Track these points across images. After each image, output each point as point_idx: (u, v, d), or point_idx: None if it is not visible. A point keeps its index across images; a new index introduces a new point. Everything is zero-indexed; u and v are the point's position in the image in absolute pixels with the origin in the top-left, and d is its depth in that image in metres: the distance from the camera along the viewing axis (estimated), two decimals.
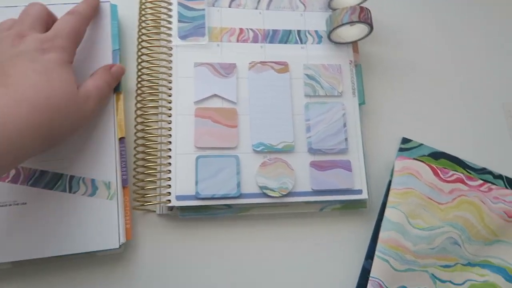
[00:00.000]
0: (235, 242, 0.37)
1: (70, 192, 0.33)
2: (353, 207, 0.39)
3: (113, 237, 0.33)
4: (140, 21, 0.39)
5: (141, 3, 0.41)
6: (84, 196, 0.34)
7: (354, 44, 0.43)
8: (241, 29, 0.41)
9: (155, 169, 0.36)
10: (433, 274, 0.37)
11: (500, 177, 0.42)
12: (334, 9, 0.42)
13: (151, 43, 0.40)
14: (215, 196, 0.35)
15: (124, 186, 0.36)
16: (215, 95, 0.39)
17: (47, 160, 0.34)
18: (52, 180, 0.34)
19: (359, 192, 0.38)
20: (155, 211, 0.36)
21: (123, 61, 0.40)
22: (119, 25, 0.40)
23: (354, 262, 0.38)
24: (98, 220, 0.33)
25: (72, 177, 0.34)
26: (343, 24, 0.39)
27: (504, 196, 0.39)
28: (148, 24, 0.40)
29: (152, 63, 0.39)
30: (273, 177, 0.37)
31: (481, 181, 0.40)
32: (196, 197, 0.35)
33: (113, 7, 0.39)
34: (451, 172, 0.40)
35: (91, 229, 0.34)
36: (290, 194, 0.37)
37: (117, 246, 0.33)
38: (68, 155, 0.35)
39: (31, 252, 0.32)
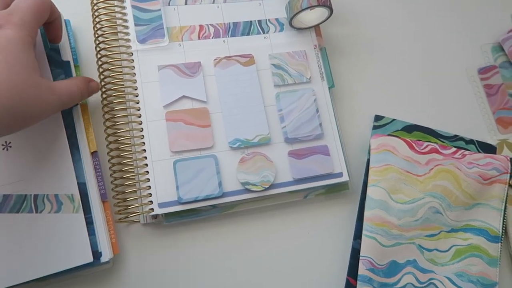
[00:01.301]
0: (223, 241, 0.44)
1: (36, 212, 0.38)
2: (336, 190, 0.46)
3: (86, 251, 0.38)
4: (96, 29, 0.44)
5: (94, 10, 0.45)
6: (51, 213, 0.38)
7: (316, 28, 0.50)
8: (201, 26, 0.47)
9: (133, 179, 0.41)
10: (419, 245, 0.45)
11: (471, 142, 0.50)
12: None
13: (110, 51, 0.44)
14: (198, 199, 0.41)
15: (103, 201, 0.41)
16: (184, 97, 0.44)
17: (8, 183, 0.38)
18: (17, 203, 0.38)
19: (340, 175, 0.45)
20: (139, 221, 0.42)
21: (82, 71, 0.45)
22: (74, 39, 0.45)
23: (344, 243, 0.45)
24: (68, 236, 0.38)
25: (36, 196, 0.39)
26: (302, 10, 0.45)
27: (478, 160, 0.48)
28: (104, 31, 0.45)
29: (114, 71, 0.44)
30: (254, 172, 0.43)
31: (455, 149, 0.48)
32: (179, 202, 0.41)
33: (67, 22, 0.44)
34: (426, 144, 0.48)
35: (63, 246, 0.38)
36: (272, 186, 0.43)
37: (91, 260, 0.38)
38: (28, 174, 0.39)
39: (8, 279, 0.36)
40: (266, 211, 0.44)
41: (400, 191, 0.45)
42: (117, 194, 0.41)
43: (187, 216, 0.42)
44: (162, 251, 0.41)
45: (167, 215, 0.41)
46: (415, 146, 0.46)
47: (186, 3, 0.47)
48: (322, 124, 0.45)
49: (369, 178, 0.45)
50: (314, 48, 0.48)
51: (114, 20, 0.44)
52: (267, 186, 0.42)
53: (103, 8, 0.44)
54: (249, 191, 0.42)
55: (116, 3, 0.45)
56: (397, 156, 0.45)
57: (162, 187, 0.40)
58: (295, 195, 0.45)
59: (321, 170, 0.44)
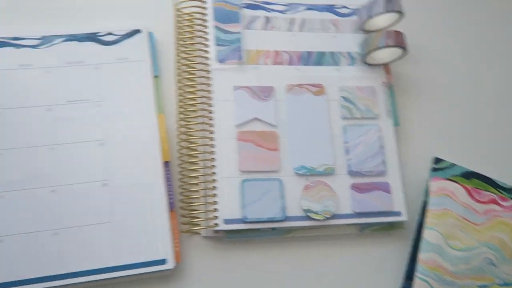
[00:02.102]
0: (279, 262, 0.49)
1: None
2: (391, 227, 0.52)
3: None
4: (178, 45, 0.52)
5: (178, 27, 0.52)
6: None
7: (386, 65, 0.57)
8: (276, 52, 0.54)
9: (201, 192, 0.48)
10: None
11: None
12: (367, 31, 0.56)
13: (190, 67, 0.51)
14: (262, 220, 0.47)
15: (171, 210, 0.47)
16: (256, 118, 0.51)
17: None
18: None
19: (398, 214, 0.51)
20: (200, 233, 0.48)
21: (161, 84, 0.51)
22: (156, 51, 0.52)
23: (394, 281, 0.50)
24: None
25: None
26: (379, 48, 0.52)
27: None
28: (186, 48, 0.51)
29: (192, 87, 0.50)
30: (317, 200, 0.49)
31: None
32: (244, 220, 0.47)
33: (150, 35, 0.51)
34: (485, 193, 0.53)
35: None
36: (333, 216, 0.49)
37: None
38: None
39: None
40: (322, 240, 0.49)
41: (456, 238, 0.50)
42: (184, 205, 0.47)
43: (248, 234, 0.48)
44: (221, 265, 0.47)
45: (228, 231, 0.47)
46: (474, 194, 0.52)
47: (264, 29, 0.54)
48: (385, 161, 0.51)
49: (426, 220, 0.50)
50: (382, 85, 0.55)
51: (196, 38, 0.51)
52: (328, 216, 0.48)
53: (187, 26, 0.51)
54: (310, 218, 0.48)
55: (199, 22, 0.51)
56: (455, 202, 0.51)
57: (228, 203, 0.47)
58: (351, 228, 0.50)
59: (381, 207, 0.50)
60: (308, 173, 0.48)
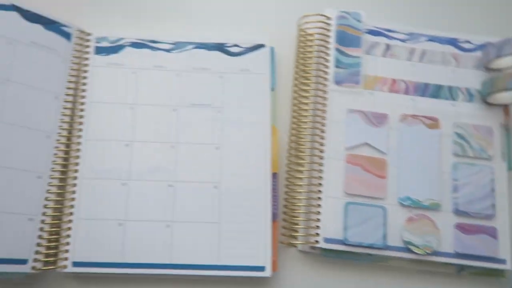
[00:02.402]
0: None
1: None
2: (491, 274, 0.52)
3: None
4: (298, 63, 0.56)
5: (300, 45, 0.56)
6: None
7: (505, 106, 0.57)
8: (393, 80, 0.57)
9: (305, 208, 0.51)
10: None
11: None
12: (491, 70, 0.57)
13: (308, 85, 0.54)
14: (362, 244, 0.50)
15: (273, 220, 0.51)
16: (366, 143, 0.54)
17: None
18: None
19: (503, 262, 0.51)
20: (297, 246, 0.51)
21: (276, 97, 0.56)
22: (275, 65, 0.56)
23: None
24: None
25: None
26: (506, 90, 0.53)
27: None
28: (306, 66, 0.55)
29: (308, 105, 0.54)
30: (419, 234, 0.51)
31: None
32: (344, 242, 0.50)
33: (271, 50, 0.56)
34: None
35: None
36: (433, 253, 0.51)
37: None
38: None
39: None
40: (417, 274, 0.51)
41: None
42: (286, 217, 0.51)
43: (344, 256, 0.51)
44: (314, 280, 0.50)
45: (325, 249, 0.50)
46: None
47: (384, 55, 0.56)
48: (495, 205, 0.52)
49: None
50: (500, 127, 0.55)
51: (316, 58, 0.55)
52: (429, 252, 0.49)
53: (309, 45, 0.55)
54: (410, 251, 0.49)
55: (321, 42, 0.55)
56: None
57: (330, 223, 0.50)
58: (449, 267, 0.51)
59: (485, 251, 0.50)
60: (413, 205, 0.50)
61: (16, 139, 0.48)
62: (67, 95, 0.52)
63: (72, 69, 0.53)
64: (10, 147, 0.47)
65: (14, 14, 0.50)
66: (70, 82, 0.52)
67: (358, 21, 0.55)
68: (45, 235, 0.46)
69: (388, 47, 0.56)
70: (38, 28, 0.51)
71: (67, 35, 0.53)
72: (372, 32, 0.56)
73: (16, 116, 0.48)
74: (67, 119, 0.51)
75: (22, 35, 0.50)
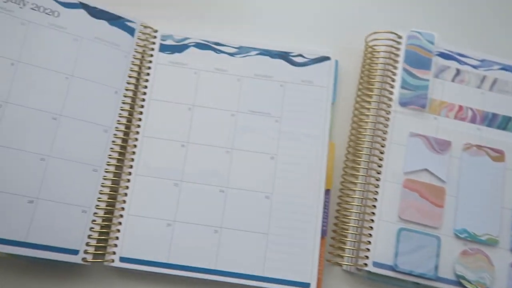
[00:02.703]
0: None
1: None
2: None
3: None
4: (362, 79, 0.56)
5: (366, 62, 0.57)
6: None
7: None
8: (460, 106, 0.57)
9: (356, 228, 0.52)
10: None
11: None
12: None
13: (370, 103, 0.55)
14: (412, 273, 0.50)
15: (322, 236, 0.52)
16: (426, 170, 0.54)
17: None
18: None
19: None
20: (342, 265, 0.52)
21: (335, 111, 0.57)
22: (338, 78, 0.57)
23: None
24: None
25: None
26: None
27: None
28: (370, 84, 0.56)
29: (368, 123, 0.54)
30: (472, 269, 0.51)
31: None
32: (394, 268, 0.50)
33: (336, 63, 0.57)
34: None
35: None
36: None
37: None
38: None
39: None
40: None
41: None
42: (336, 236, 0.52)
43: (391, 281, 0.51)
44: None
45: (372, 272, 0.50)
46: None
47: (453, 80, 0.57)
48: None
49: None
50: None
51: (382, 77, 0.56)
52: None
53: (376, 62, 0.56)
54: (462, 285, 0.50)
55: (389, 61, 0.56)
56: None
57: (381, 247, 0.50)
58: None
59: None
60: (469, 238, 0.51)
61: (75, 132, 0.50)
62: (127, 90, 0.54)
63: (133, 64, 0.55)
64: (70, 139, 0.50)
65: (81, 12, 0.54)
66: (131, 77, 0.54)
67: (430, 42, 0.55)
68: (96, 228, 0.48)
69: (458, 72, 0.56)
70: (102, 24, 0.54)
71: (131, 31, 0.55)
72: (443, 55, 0.56)
73: (77, 110, 0.51)
74: (125, 114, 0.52)
75: (87, 31, 0.53)
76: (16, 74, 0.50)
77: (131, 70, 0.55)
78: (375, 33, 0.56)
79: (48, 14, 0.52)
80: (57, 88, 0.51)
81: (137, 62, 0.55)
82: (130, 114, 0.53)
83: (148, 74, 0.54)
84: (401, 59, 0.56)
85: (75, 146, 0.49)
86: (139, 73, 0.55)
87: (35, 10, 0.52)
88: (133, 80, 0.54)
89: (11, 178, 0.47)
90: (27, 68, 0.50)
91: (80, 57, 0.53)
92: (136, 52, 0.56)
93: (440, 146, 0.53)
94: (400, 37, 0.56)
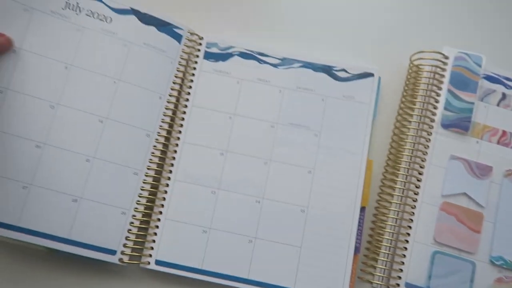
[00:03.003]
0: None
1: None
2: None
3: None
4: (405, 98, 0.57)
5: (410, 80, 0.58)
6: None
7: None
8: (504, 131, 0.56)
9: (389, 248, 0.52)
10: None
11: None
12: None
13: (412, 122, 0.56)
14: None
15: (355, 253, 0.52)
16: (465, 194, 0.54)
17: None
18: None
19: None
20: (371, 283, 0.52)
21: (375, 128, 0.57)
22: (380, 95, 0.57)
23: None
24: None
25: None
26: None
27: None
28: (413, 103, 0.56)
29: (408, 142, 0.55)
30: None
31: None
32: None
33: (378, 80, 0.57)
34: None
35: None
36: None
37: None
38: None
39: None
40: None
41: None
42: (369, 254, 0.52)
43: None
44: None
45: None
46: None
47: (498, 105, 0.56)
48: None
49: None
50: None
51: (426, 97, 0.56)
52: None
53: (420, 82, 0.57)
54: None
55: (434, 81, 0.56)
56: None
57: (414, 268, 0.51)
58: None
59: None
60: (505, 266, 0.51)
61: (120, 135, 0.52)
62: (171, 96, 0.56)
63: (178, 71, 0.56)
64: (114, 142, 0.52)
65: (132, 17, 0.55)
66: (175, 83, 0.56)
67: (478, 65, 0.55)
68: (134, 230, 0.49)
69: (504, 96, 0.56)
70: (151, 29, 0.56)
71: (178, 37, 0.57)
72: (490, 78, 0.56)
73: (122, 114, 0.53)
74: (167, 119, 0.54)
75: (136, 37, 0.55)
76: (69, 77, 0.52)
77: (175, 76, 0.57)
78: (421, 52, 0.56)
79: (101, 20, 0.54)
80: (105, 91, 0.52)
81: (182, 68, 0.57)
82: (172, 119, 0.54)
83: (191, 81, 0.56)
84: (446, 80, 0.56)
85: (118, 149, 0.52)
86: (182, 80, 0.57)
87: (89, 16, 0.54)
88: (177, 87, 0.56)
89: (58, 176, 0.49)
90: (79, 72, 0.52)
91: (128, 62, 0.54)
92: (182, 58, 0.57)
93: (481, 170, 0.53)
94: (446, 57, 0.56)
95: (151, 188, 0.52)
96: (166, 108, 0.54)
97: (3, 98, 0.48)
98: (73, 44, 0.52)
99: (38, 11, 0.51)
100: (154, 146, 0.52)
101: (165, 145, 0.54)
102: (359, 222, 0.52)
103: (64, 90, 0.51)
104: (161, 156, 0.53)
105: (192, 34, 0.56)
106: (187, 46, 0.57)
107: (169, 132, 0.55)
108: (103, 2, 0.54)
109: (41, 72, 0.50)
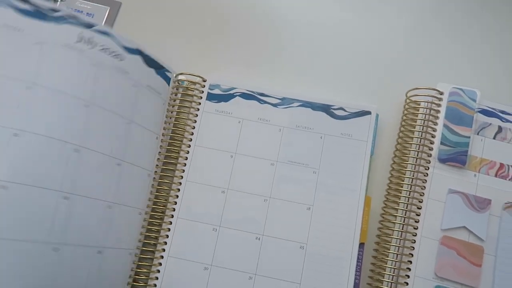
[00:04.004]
0: None
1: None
2: None
3: None
4: (402, 134, 0.59)
5: (406, 116, 0.60)
6: None
7: None
8: (501, 164, 0.58)
9: (390, 283, 0.53)
10: None
11: None
12: None
13: (408, 158, 0.58)
14: None
15: None
16: (465, 227, 0.55)
17: None
18: None
19: None
20: None
21: (374, 164, 0.60)
22: (377, 129, 0.60)
23: None
24: None
25: None
26: None
27: None
28: (410, 139, 0.59)
29: (405, 178, 0.57)
30: None
31: None
32: None
33: (376, 117, 0.59)
34: None
35: None
36: None
37: None
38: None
39: None
40: None
41: None
42: None
43: None
44: None
45: None
46: None
47: (494, 138, 0.58)
48: None
49: None
50: None
51: (422, 132, 0.59)
52: None
53: (416, 118, 0.59)
54: None
55: (430, 117, 0.58)
56: None
57: None
58: None
59: None
60: None
61: (129, 178, 0.54)
62: (165, 135, 0.60)
63: (171, 112, 0.61)
64: (126, 185, 0.54)
65: (138, 58, 0.58)
66: (167, 123, 0.60)
67: (472, 99, 0.58)
68: (137, 268, 0.52)
69: (500, 129, 0.58)
70: (151, 72, 0.59)
71: (168, 80, 0.61)
72: (485, 112, 0.58)
73: (133, 156, 0.55)
74: (166, 158, 0.58)
75: (142, 78, 0.57)
76: (89, 116, 0.49)
77: (167, 117, 0.61)
78: (416, 88, 0.58)
79: (115, 57, 0.56)
80: (120, 133, 0.52)
81: (176, 108, 0.61)
82: (166, 158, 0.59)
83: (195, 121, 0.59)
84: (441, 115, 0.58)
85: (124, 191, 0.54)
86: (176, 119, 0.61)
87: (103, 52, 0.55)
88: (170, 126, 0.60)
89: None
90: (96, 109, 0.52)
91: (139, 104, 0.57)
92: (174, 99, 0.62)
93: (480, 204, 0.54)
94: (441, 93, 0.58)
95: (154, 226, 0.55)
96: (164, 147, 0.58)
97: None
98: (90, 80, 0.52)
99: (49, 44, 0.50)
100: (157, 185, 0.55)
101: (168, 184, 0.58)
102: (358, 258, 0.53)
103: (84, 131, 0.48)
104: (161, 194, 0.56)
105: (199, 77, 0.62)
106: (189, 88, 0.62)
107: (164, 170, 0.58)
108: (115, 39, 0.55)
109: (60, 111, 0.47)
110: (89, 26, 0.52)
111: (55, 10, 0.49)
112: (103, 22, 0.65)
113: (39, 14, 0.48)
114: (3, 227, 0.41)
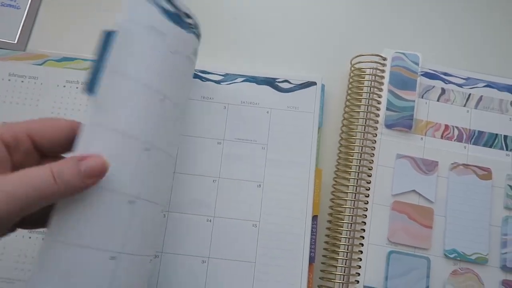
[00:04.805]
0: None
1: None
2: None
3: None
4: (348, 102, 0.59)
5: (352, 84, 0.60)
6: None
7: None
8: (446, 126, 0.60)
9: (346, 253, 0.55)
10: None
11: None
12: None
13: (356, 126, 0.59)
14: None
15: (310, 263, 0.55)
16: (414, 191, 0.57)
17: None
18: None
19: None
20: None
21: (323, 135, 0.60)
22: (324, 103, 0.60)
23: None
24: None
25: None
26: None
27: None
28: (356, 107, 0.59)
29: (355, 147, 0.58)
30: None
31: None
32: None
33: (322, 88, 0.60)
34: None
35: None
36: None
37: None
38: None
39: None
40: None
41: None
42: (325, 261, 0.54)
43: None
44: None
45: None
46: None
47: (438, 100, 0.60)
48: None
49: None
50: None
51: (368, 100, 0.59)
52: None
53: (361, 85, 0.60)
54: None
55: (374, 84, 0.59)
56: None
57: (371, 271, 0.53)
58: None
59: None
60: (459, 258, 0.53)
61: None
62: None
63: None
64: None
65: None
66: None
67: (415, 63, 0.58)
68: None
69: (443, 91, 0.59)
70: None
71: None
72: (428, 75, 0.59)
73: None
74: None
75: None
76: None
77: None
78: (359, 55, 0.59)
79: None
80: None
81: None
82: None
83: None
84: (386, 81, 0.58)
85: None
86: None
87: None
88: None
89: None
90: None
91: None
92: None
93: (427, 166, 0.56)
94: (384, 59, 0.59)
95: None
96: None
97: None
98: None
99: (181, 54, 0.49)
100: None
101: None
102: (312, 231, 0.54)
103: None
104: None
105: None
106: None
107: None
108: None
109: None
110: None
111: (188, 16, 0.48)
112: None
113: (177, 18, 0.47)
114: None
